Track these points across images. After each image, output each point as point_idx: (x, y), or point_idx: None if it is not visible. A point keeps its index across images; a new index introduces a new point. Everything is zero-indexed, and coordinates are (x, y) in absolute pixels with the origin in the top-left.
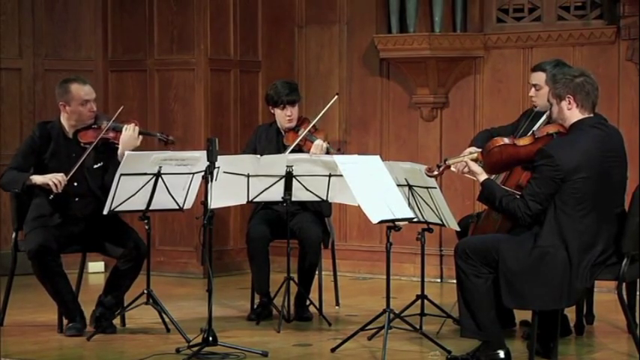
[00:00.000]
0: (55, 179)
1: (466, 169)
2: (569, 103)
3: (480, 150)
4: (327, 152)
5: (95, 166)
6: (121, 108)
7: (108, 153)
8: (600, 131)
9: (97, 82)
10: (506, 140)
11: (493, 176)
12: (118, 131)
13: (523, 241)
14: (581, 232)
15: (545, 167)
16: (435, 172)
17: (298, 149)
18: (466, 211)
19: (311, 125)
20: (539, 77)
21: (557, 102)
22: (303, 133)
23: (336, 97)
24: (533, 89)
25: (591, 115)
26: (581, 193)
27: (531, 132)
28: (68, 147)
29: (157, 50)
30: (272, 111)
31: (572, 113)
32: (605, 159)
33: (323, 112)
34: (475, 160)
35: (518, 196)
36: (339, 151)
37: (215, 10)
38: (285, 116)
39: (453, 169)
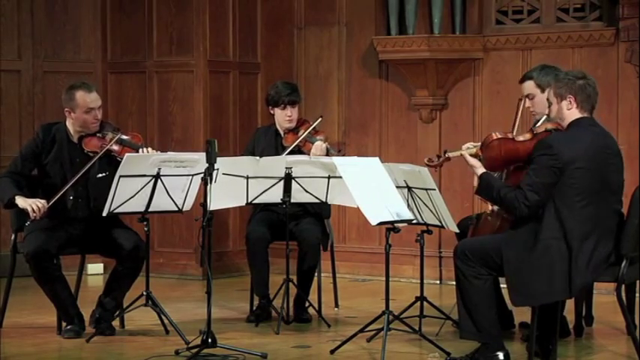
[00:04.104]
0: (34, 205)
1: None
2: (570, 103)
3: (478, 145)
4: (327, 153)
5: (98, 176)
6: (120, 134)
7: (111, 165)
8: (598, 129)
9: (96, 84)
10: (503, 135)
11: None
12: (125, 146)
13: (524, 238)
14: (579, 222)
15: (544, 157)
16: (435, 162)
17: (297, 150)
18: (465, 213)
19: (312, 127)
20: (530, 86)
21: (557, 101)
22: (303, 134)
23: (320, 119)
24: (527, 100)
25: (590, 116)
26: (579, 184)
27: (530, 129)
28: (72, 151)
29: (156, 52)
30: (272, 112)
31: (572, 113)
32: (603, 155)
33: (309, 130)
34: (474, 155)
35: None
36: (340, 152)
37: (214, 12)
38: (285, 116)
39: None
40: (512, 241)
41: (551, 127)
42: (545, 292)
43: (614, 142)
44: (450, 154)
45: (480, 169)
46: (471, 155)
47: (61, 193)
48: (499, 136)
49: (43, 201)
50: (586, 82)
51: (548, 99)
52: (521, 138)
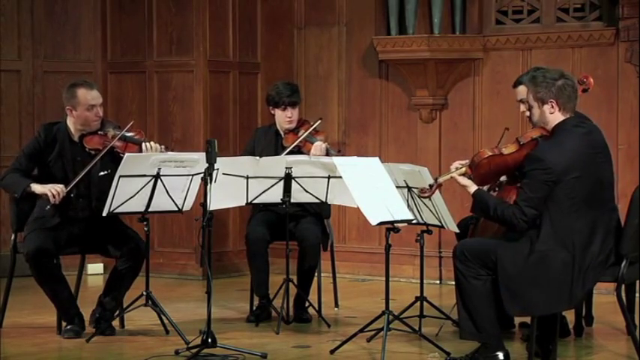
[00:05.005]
0: (54, 190)
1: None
2: (552, 107)
3: (466, 163)
4: (327, 153)
5: (100, 174)
6: (132, 123)
7: (113, 162)
8: (584, 129)
9: (96, 84)
10: (492, 152)
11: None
12: (127, 142)
13: (520, 246)
14: (578, 231)
15: (537, 171)
16: (428, 193)
17: (297, 150)
18: (465, 213)
19: (312, 128)
20: (523, 91)
21: (539, 105)
22: (303, 134)
23: (319, 121)
24: (522, 105)
25: (572, 115)
26: (575, 193)
27: (515, 138)
28: (73, 150)
29: (156, 52)
30: (272, 112)
31: (555, 116)
32: (593, 156)
33: (309, 130)
34: (464, 174)
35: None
36: (339, 153)
37: (214, 12)
38: (285, 117)
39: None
40: (509, 247)
41: (537, 134)
42: (543, 303)
43: (600, 136)
44: (441, 180)
45: (473, 187)
46: (461, 175)
47: (77, 179)
48: (488, 154)
49: (61, 185)
50: (565, 82)
51: (528, 102)
52: (508, 150)
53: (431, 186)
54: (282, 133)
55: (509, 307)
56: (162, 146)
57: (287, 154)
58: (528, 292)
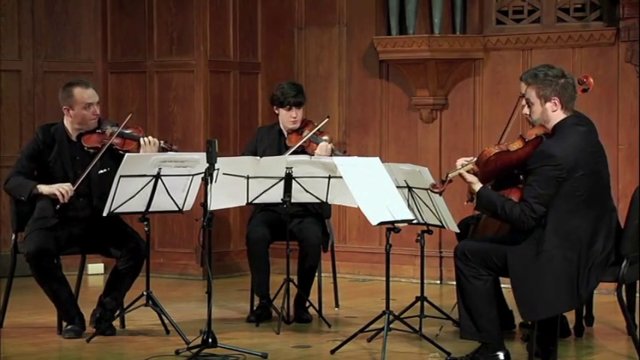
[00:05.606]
0: (62, 189)
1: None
2: (555, 105)
3: (471, 159)
4: (332, 154)
5: (100, 172)
6: (130, 116)
7: (113, 159)
8: (584, 128)
9: (96, 84)
10: (498, 149)
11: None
12: (126, 138)
13: (526, 247)
14: (582, 229)
15: (547, 168)
16: (439, 189)
17: (301, 150)
18: (466, 213)
19: (316, 128)
20: None
21: (541, 103)
22: (307, 134)
23: (327, 119)
24: (524, 100)
25: (572, 114)
26: (580, 191)
27: (520, 135)
28: (72, 150)
29: (156, 52)
30: (276, 111)
31: (557, 114)
32: (594, 155)
33: (314, 131)
34: (469, 171)
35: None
36: (345, 154)
37: (214, 12)
38: (289, 117)
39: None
40: (514, 249)
41: (542, 132)
42: (552, 304)
43: (597, 136)
44: (451, 175)
45: (478, 185)
46: (467, 172)
47: (83, 176)
48: (495, 151)
49: (68, 184)
50: (566, 81)
51: (529, 99)
52: (513, 147)
53: (443, 181)
54: (285, 133)
55: (525, 313)
56: (162, 141)
57: (291, 154)
58: (538, 295)
